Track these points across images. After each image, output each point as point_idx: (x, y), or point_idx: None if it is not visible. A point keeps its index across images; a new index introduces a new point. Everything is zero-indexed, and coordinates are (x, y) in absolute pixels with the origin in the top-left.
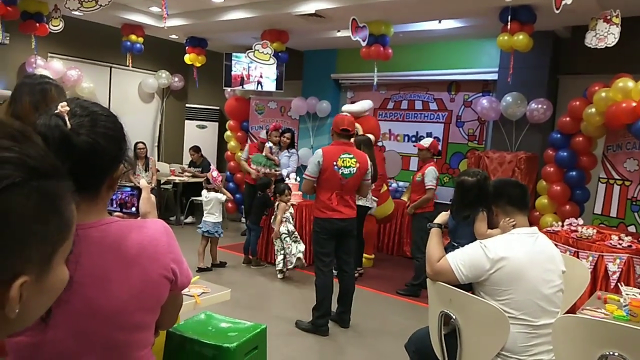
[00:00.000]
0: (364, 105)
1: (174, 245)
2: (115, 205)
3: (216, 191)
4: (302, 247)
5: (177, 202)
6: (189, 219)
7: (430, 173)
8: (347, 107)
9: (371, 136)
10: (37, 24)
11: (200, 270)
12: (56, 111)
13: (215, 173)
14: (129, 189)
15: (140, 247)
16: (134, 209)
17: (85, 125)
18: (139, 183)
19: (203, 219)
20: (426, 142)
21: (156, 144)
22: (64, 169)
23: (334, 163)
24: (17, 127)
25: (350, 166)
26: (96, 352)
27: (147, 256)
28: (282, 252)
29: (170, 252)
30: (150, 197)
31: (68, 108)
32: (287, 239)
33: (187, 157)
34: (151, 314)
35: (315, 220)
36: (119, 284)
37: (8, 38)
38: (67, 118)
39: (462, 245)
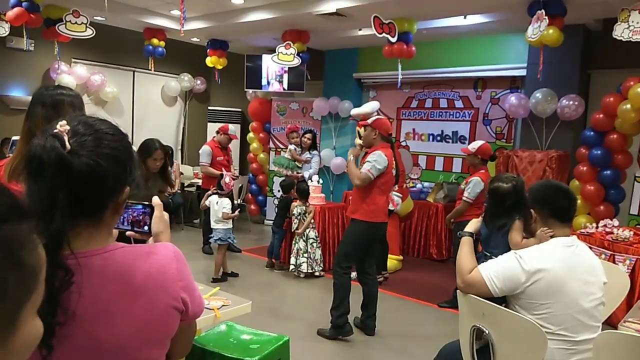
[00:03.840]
0: (373, 105)
1: (185, 272)
2: (126, 224)
3: (228, 197)
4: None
5: None
6: None
7: (473, 184)
8: (356, 111)
9: None
10: None
11: (214, 280)
12: (54, 131)
13: (227, 179)
14: (140, 206)
15: (147, 275)
16: (146, 227)
17: (87, 145)
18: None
19: (213, 227)
20: (474, 145)
21: (179, 147)
22: (24, 207)
23: (392, 166)
24: None
25: (395, 168)
26: None
27: (154, 286)
28: (304, 255)
29: (181, 279)
30: (163, 215)
31: (68, 127)
32: (314, 244)
33: None
34: (159, 348)
35: (362, 223)
36: (123, 317)
37: (32, 45)
38: (66, 138)
39: (496, 256)
